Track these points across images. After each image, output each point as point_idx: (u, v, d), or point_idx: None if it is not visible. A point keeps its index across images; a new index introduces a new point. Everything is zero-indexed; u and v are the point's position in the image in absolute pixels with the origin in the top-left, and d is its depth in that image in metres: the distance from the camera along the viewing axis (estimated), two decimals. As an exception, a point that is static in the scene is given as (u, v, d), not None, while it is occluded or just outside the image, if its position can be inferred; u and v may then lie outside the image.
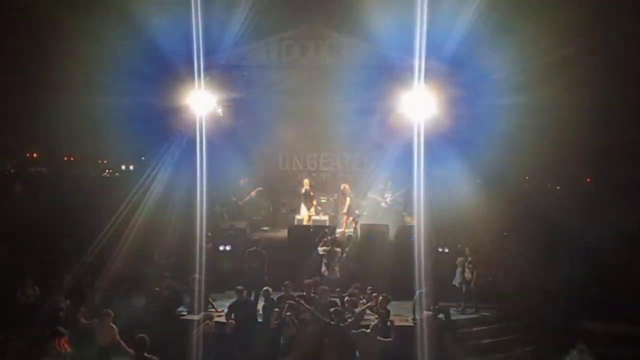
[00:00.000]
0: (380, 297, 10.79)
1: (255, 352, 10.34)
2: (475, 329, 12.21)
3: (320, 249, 13.28)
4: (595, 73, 22.70)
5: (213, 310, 12.14)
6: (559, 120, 21.80)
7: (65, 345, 7.98)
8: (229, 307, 11.03)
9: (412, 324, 10.97)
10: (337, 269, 12.90)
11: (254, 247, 13.11)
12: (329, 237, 13.62)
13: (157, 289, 12.36)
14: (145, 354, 7.18)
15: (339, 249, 13.18)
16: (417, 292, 11.14)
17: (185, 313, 11.94)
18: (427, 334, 9.96)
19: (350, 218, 16.16)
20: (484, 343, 11.93)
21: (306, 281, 11.41)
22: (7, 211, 18.67)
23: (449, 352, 11.09)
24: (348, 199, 16.70)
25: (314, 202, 16.96)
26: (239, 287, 11.08)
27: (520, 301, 13.36)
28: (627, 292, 13.71)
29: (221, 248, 13.91)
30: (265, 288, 11.27)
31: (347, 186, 16.95)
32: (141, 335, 7.38)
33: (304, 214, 16.74)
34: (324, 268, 12.95)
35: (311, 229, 15.03)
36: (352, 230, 15.76)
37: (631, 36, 20.89)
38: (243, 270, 12.89)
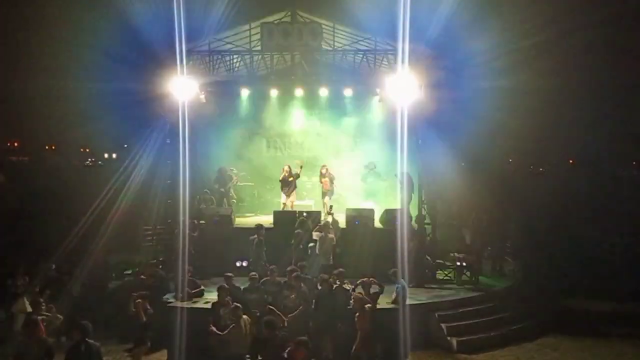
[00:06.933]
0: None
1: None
2: (460, 310, 12.34)
3: (315, 234, 13.19)
4: (577, 55, 22.88)
5: (198, 298, 12.11)
6: (541, 102, 21.99)
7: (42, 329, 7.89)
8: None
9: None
10: (330, 254, 12.86)
11: (255, 236, 13.25)
12: (321, 223, 13.55)
13: (142, 276, 12.32)
14: (88, 340, 7.12)
15: (331, 235, 13.05)
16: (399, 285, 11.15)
17: (171, 300, 11.93)
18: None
19: (327, 208, 15.83)
20: (468, 323, 12.08)
21: (289, 267, 11.42)
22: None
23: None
24: (327, 180, 16.67)
25: (294, 188, 16.80)
26: (228, 274, 11.07)
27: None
28: (605, 270, 14.01)
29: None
30: (251, 273, 11.30)
31: (327, 168, 16.92)
32: (84, 321, 7.31)
33: (284, 200, 16.67)
34: (316, 253, 12.88)
35: (297, 215, 14.95)
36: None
37: (612, 18, 21.03)
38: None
